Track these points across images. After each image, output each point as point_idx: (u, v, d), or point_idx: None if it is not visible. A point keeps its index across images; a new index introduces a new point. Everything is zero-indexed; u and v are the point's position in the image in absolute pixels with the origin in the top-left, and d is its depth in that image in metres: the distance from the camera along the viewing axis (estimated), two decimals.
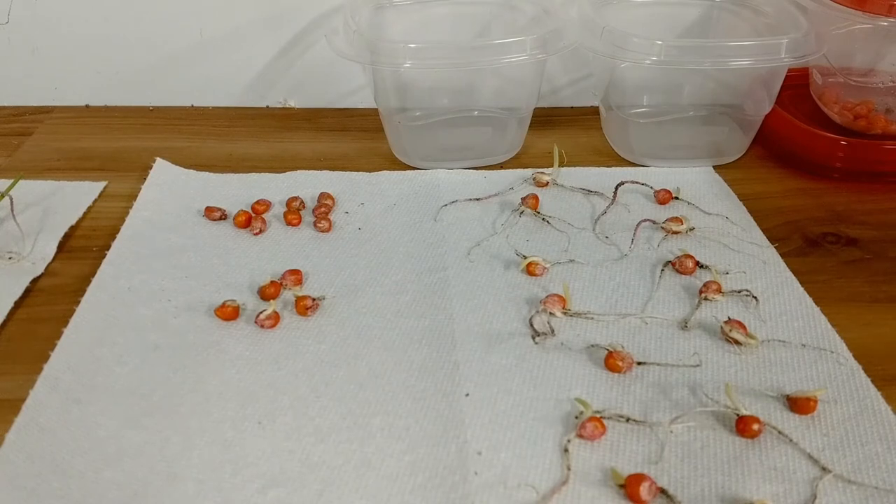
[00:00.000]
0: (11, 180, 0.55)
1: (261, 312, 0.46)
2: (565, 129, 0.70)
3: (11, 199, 0.53)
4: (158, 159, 0.61)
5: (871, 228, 0.57)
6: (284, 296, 0.48)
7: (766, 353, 0.45)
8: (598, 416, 0.40)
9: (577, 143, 0.67)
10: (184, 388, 0.42)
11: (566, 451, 0.38)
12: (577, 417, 0.40)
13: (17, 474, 0.36)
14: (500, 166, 0.64)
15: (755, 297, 0.49)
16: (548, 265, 0.51)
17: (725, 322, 0.46)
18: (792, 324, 0.47)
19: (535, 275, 0.50)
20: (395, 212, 0.57)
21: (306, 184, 0.59)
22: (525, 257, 0.51)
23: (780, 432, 0.39)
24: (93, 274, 0.49)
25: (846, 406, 0.41)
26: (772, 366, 0.44)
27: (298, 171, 0.61)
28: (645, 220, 0.55)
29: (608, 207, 0.57)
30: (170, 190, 0.58)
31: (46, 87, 0.72)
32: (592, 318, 0.47)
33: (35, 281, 0.50)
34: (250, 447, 0.38)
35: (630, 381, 0.43)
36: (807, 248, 0.55)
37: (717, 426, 0.40)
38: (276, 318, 0.46)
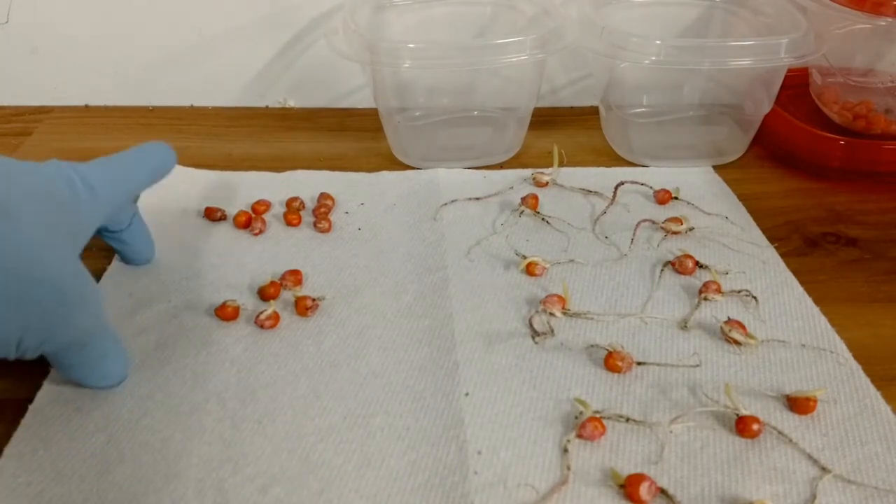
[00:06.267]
0: None
1: (261, 312, 0.46)
2: (565, 129, 0.70)
3: None
4: None
5: (871, 228, 0.57)
6: (284, 296, 0.48)
7: (766, 353, 0.45)
8: (597, 416, 0.40)
9: (576, 143, 0.67)
10: (184, 388, 0.42)
11: (566, 450, 0.38)
12: (576, 417, 0.40)
13: (17, 484, 0.36)
14: (500, 166, 0.64)
15: (755, 297, 0.49)
16: (547, 265, 0.51)
17: (725, 322, 0.46)
18: (792, 324, 0.47)
19: (534, 275, 0.50)
20: (394, 212, 0.57)
21: (306, 184, 0.59)
22: (525, 257, 0.51)
23: (779, 432, 0.39)
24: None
25: (846, 406, 0.41)
26: (771, 366, 0.44)
27: (298, 171, 0.61)
28: (644, 220, 0.55)
29: (608, 207, 0.57)
30: (169, 190, 0.58)
31: (46, 87, 0.72)
32: (592, 318, 0.47)
33: None
34: (250, 446, 0.38)
35: (630, 381, 0.43)
36: (806, 248, 0.55)
37: (717, 426, 0.40)
38: (276, 318, 0.46)
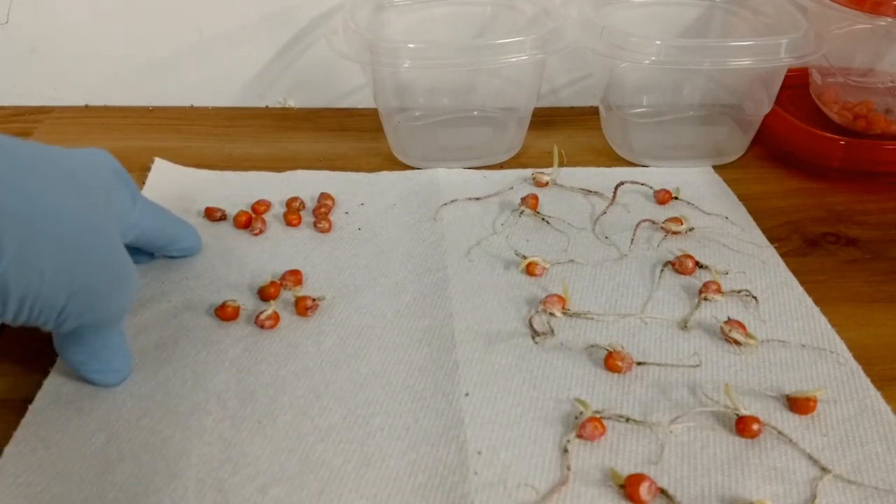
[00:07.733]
0: None
1: (261, 312, 0.46)
2: (565, 129, 0.70)
3: None
4: (157, 159, 0.61)
5: (871, 228, 0.57)
6: (284, 296, 0.48)
7: (766, 353, 0.45)
8: (597, 416, 0.40)
9: (576, 143, 0.67)
10: (184, 388, 0.42)
11: (566, 451, 0.38)
12: (576, 417, 0.40)
13: (17, 484, 0.36)
14: (500, 166, 0.64)
15: (755, 297, 0.49)
16: (547, 265, 0.51)
17: (725, 322, 0.46)
18: (792, 324, 0.47)
19: (534, 275, 0.50)
20: (394, 212, 0.57)
21: (306, 184, 0.59)
22: (525, 257, 0.51)
23: (779, 432, 0.40)
24: None
25: (846, 406, 0.41)
26: (772, 366, 0.44)
27: (298, 171, 0.61)
28: (644, 221, 0.55)
29: (608, 207, 0.57)
30: (169, 190, 0.58)
31: (46, 87, 0.72)
32: (592, 318, 0.47)
33: None
34: (250, 446, 0.38)
35: (630, 381, 0.43)
36: (806, 248, 0.55)
37: (717, 426, 0.40)
38: (276, 318, 0.46)
